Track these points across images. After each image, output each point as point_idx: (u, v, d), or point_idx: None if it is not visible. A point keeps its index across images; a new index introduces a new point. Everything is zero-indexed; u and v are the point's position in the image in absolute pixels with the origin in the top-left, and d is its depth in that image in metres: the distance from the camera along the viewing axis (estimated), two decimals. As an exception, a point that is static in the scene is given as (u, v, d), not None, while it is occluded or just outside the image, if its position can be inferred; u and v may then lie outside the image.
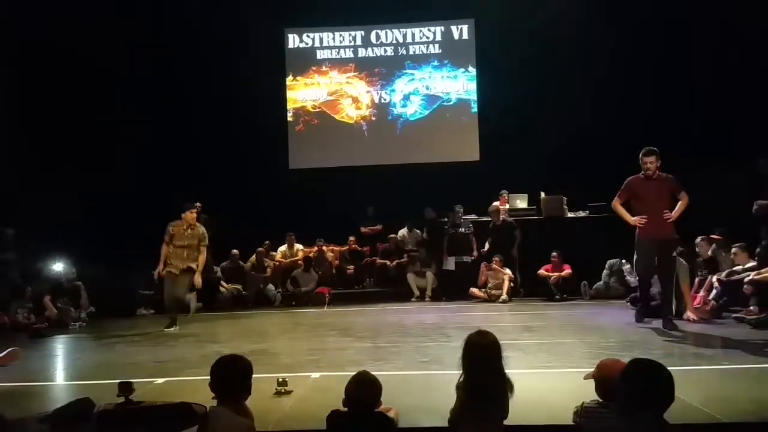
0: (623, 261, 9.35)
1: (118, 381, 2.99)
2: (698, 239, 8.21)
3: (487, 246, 10.24)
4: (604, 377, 2.82)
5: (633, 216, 6.46)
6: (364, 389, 2.75)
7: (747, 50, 9.96)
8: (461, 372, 2.78)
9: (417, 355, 5.36)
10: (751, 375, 4.32)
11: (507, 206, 10.85)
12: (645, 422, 2.32)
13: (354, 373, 2.85)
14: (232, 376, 2.75)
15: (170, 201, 11.04)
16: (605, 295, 9.44)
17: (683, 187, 6.41)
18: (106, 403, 2.96)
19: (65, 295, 8.90)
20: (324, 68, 13.12)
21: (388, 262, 11.15)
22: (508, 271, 9.84)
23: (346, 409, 2.75)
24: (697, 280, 7.84)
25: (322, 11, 12.73)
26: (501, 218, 10.28)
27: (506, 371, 2.80)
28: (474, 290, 9.98)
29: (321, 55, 13.14)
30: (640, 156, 6.44)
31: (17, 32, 10.49)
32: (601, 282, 9.69)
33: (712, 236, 8.31)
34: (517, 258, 10.17)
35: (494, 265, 9.84)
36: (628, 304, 7.87)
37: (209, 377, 2.76)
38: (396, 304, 9.89)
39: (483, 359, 2.76)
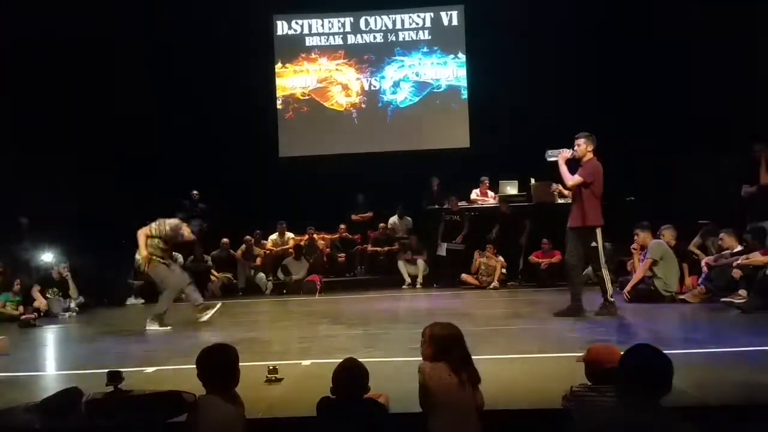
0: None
1: (107, 370, 2.97)
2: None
3: (494, 234, 10.20)
4: (595, 361, 2.83)
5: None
6: (350, 376, 2.75)
7: (737, 34, 9.95)
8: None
9: (408, 341, 5.35)
10: (740, 358, 4.35)
11: (491, 193, 10.86)
12: (640, 406, 2.32)
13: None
14: (217, 365, 2.74)
15: (158, 191, 11.11)
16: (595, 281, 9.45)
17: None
18: (94, 392, 2.94)
19: (54, 286, 8.85)
20: (313, 55, 13.01)
21: (379, 250, 11.15)
22: (501, 258, 9.87)
23: (335, 396, 2.75)
24: (685, 265, 7.87)
25: (310, -3, 12.64)
26: (508, 207, 10.26)
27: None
28: (466, 276, 10.00)
29: (310, 41, 13.02)
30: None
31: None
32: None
33: (700, 221, 8.34)
34: (524, 246, 10.17)
35: (488, 253, 9.86)
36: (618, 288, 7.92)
37: (195, 368, 2.75)
38: (387, 291, 9.90)
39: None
